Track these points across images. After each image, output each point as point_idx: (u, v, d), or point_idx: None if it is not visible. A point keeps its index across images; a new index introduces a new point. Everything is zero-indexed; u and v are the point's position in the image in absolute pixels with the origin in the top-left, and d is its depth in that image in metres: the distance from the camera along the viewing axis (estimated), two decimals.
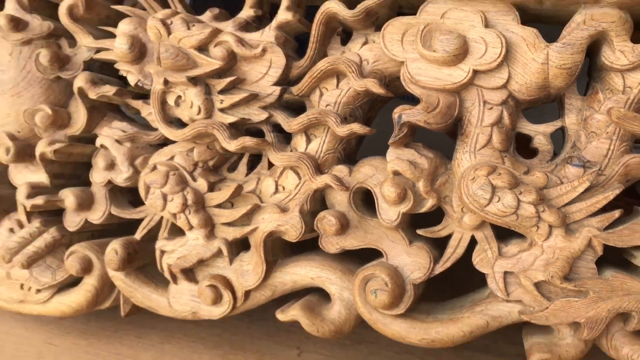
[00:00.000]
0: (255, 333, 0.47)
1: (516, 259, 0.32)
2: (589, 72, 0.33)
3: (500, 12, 0.31)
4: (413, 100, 0.33)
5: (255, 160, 0.39)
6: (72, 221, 0.41)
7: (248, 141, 0.35)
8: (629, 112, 0.30)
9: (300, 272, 0.36)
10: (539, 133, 0.33)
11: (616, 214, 0.30)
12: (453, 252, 0.34)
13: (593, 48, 0.31)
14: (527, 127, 0.33)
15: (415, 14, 0.33)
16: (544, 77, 0.31)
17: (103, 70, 0.41)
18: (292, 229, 0.35)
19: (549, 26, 0.34)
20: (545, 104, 0.35)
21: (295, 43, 0.37)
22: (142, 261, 0.40)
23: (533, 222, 0.31)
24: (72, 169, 0.43)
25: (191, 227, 0.37)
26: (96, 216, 0.41)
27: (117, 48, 0.37)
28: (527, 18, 0.33)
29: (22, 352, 0.45)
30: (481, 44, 0.31)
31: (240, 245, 0.38)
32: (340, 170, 0.35)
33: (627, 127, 0.30)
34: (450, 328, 0.33)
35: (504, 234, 0.34)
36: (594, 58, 0.32)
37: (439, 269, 0.34)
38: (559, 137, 0.34)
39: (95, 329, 0.47)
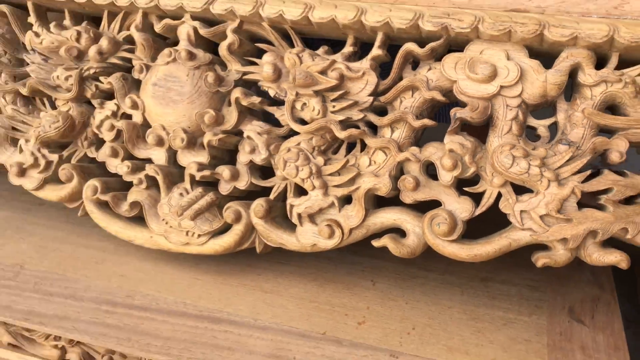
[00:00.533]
0: (340, 271, 0.65)
1: (528, 202, 0.49)
2: (572, 86, 0.50)
3: (516, 50, 0.48)
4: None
5: (347, 146, 0.58)
6: (225, 188, 0.60)
7: (354, 131, 0.54)
8: (594, 111, 0.48)
9: (386, 216, 0.55)
10: (541, 125, 0.51)
11: (587, 172, 0.48)
12: (486, 202, 0.51)
13: (573, 72, 0.47)
14: (534, 122, 0.50)
15: (461, 50, 0.51)
16: (543, 90, 0.47)
17: (244, 86, 0.61)
18: (384, 187, 0.54)
19: (547, 58, 0.48)
20: (545, 108, 0.54)
21: (379, 69, 0.56)
22: (274, 214, 0.58)
23: (538, 178, 0.49)
24: (221, 153, 0.62)
25: (314, 188, 0.56)
26: (242, 184, 0.59)
27: (264, 72, 0.56)
28: (533, 54, 0.48)
29: (176, 283, 0.63)
30: (505, 69, 0.49)
31: (344, 201, 0.57)
32: (414, 149, 0.53)
33: (594, 120, 0.48)
34: (486, 246, 0.51)
35: (518, 192, 0.53)
36: (574, 78, 0.48)
37: (478, 211, 0.52)
38: (553, 128, 0.53)
39: (226, 269, 0.65)
